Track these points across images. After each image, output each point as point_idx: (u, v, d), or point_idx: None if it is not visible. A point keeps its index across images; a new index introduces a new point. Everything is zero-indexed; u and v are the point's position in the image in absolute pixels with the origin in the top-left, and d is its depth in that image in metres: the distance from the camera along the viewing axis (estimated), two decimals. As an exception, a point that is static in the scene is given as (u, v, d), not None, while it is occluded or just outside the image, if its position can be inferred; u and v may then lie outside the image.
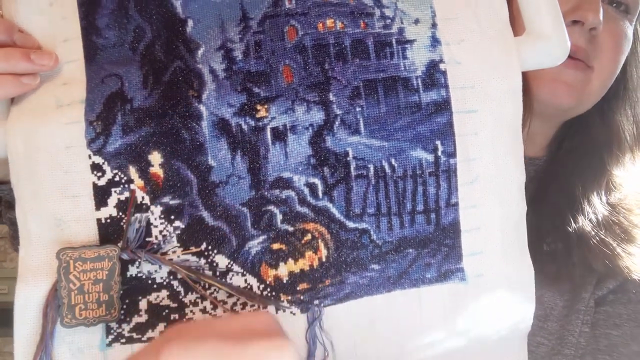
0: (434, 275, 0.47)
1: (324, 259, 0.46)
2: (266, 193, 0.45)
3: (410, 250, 0.46)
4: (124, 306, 0.45)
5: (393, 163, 0.46)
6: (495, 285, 0.48)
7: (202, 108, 0.45)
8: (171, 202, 0.45)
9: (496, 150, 0.47)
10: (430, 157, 0.46)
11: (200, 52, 0.46)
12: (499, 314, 0.49)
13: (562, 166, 0.69)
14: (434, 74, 0.46)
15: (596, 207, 0.63)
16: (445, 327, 0.47)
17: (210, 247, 0.45)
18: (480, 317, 0.48)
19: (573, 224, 0.62)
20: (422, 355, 0.47)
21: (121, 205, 0.45)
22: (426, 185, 0.46)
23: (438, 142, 0.46)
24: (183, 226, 0.45)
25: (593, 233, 0.62)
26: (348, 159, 0.46)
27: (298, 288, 0.46)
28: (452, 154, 0.46)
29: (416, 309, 0.47)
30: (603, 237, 0.62)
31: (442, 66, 0.46)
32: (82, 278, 0.43)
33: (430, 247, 0.47)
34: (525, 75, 0.60)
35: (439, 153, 0.46)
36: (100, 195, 0.45)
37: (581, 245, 0.63)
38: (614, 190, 0.67)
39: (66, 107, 0.45)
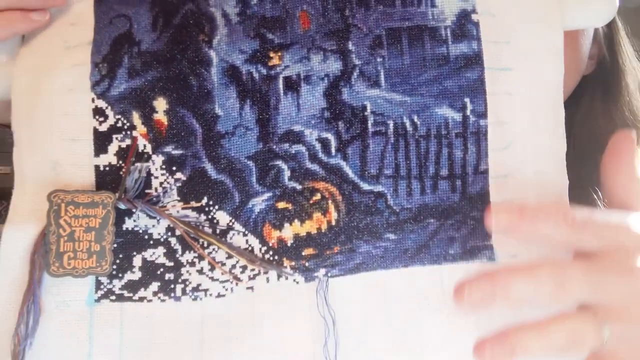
0: (458, 252, 0.42)
1: (333, 223, 0.41)
2: (274, 146, 0.42)
3: (432, 220, 0.41)
4: (117, 261, 0.42)
5: (415, 120, 0.41)
6: None
7: (212, 53, 0.42)
8: (174, 152, 0.42)
9: (533, 115, 0.42)
10: (457, 116, 0.41)
11: None
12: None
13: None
14: (465, 25, 0.41)
15: None
16: (475, 315, 0.42)
17: (211, 203, 0.42)
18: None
19: None
20: (447, 342, 0.42)
21: (121, 153, 0.42)
22: (452, 148, 0.41)
23: (467, 100, 0.41)
24: (184, 178, 0.42)
25: None
26: (365, 113, 0.42)
27: (303, 253, 0.41)
28: (483, 115, 0.41)
29: (438, 290, 0.42)
30: None
31: (474, 17, 0.42)
32: (74, 224, 0.40)
33: (455, 218, 0.42)
34: None
35: (468, 112, 0.41)
36: (101, 141, 0.42)
37: None
38: None
39: (73, 49, 0.43)
